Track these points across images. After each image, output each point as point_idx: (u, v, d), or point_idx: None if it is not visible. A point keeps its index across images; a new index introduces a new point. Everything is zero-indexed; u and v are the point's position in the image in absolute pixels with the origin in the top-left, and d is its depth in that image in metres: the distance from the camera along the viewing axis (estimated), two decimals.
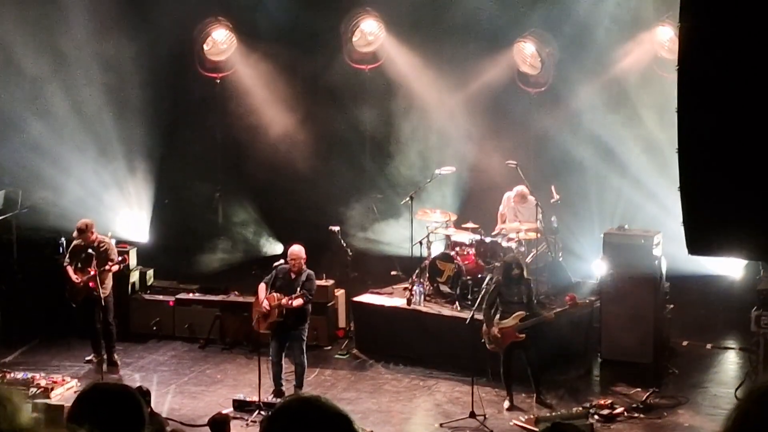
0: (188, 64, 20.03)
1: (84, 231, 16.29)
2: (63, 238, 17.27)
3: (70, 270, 16.38)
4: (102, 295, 16.25)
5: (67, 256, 16.54)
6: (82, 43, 19.30)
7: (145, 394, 12.70)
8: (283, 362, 15.39)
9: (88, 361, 16.79)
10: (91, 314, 16.49)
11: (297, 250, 15.32)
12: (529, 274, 15.70)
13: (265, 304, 15.00)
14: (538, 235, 17.20)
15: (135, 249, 18.49)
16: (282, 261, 15.44)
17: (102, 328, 16.61)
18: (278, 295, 15.01)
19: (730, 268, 17.64)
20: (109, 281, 16.59)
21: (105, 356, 16.67)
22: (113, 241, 17.06)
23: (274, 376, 15.30)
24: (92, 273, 16.13)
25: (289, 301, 14.93)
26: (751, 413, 1.68)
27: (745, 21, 5.76)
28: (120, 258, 16.76)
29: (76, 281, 16.31)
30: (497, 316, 14.98)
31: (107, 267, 16.37)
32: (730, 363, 16.94)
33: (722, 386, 15.80)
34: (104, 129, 19.64)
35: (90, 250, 16.20)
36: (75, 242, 16.52)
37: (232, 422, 12.86)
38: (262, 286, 15.22)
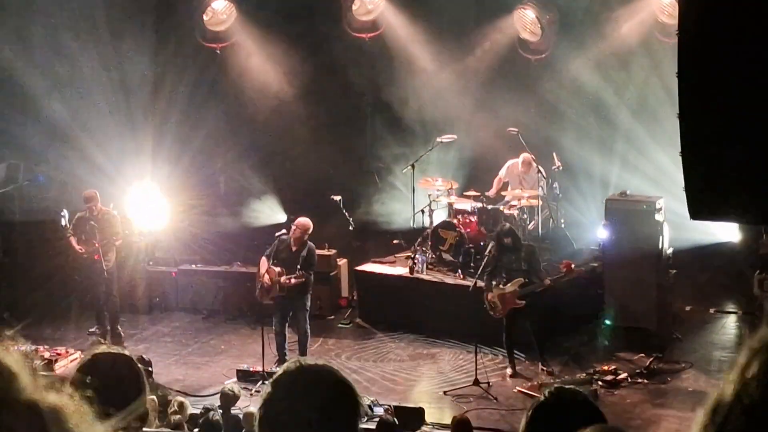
0: (189, 34, 19.93)
1: (92, 199, 16.29)
2: (65, 211, 17.25)
3: (73, 241, 16.37)
4: (105, 267, 16.27)
5: (71, 227, 16.51)
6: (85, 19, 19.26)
7: (146, 364, 12.75)
8: (286, 332, 15.43)
9: (92, 333, 16.82)
10: (95, 286, 16.51)
11: (304, 221, 15.27)
12: (526, 240, 15.67)
13: (266, 278, 15.02)
14: (540, 202, 17.19)
15: (136, 221, 18.46)
16: (283, 231, 15.45)
17: (105, 300, 16.63)
18: (279, 269, 14.99)
19: (732, 232, 17.63)
20: (113, 254, 16.60)
21: (108, 328, 16.70)
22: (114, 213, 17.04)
23: (278, 346, 15.35)
24: (96, 245, 16.15)
25: (288, 281, 14.94)
26: (750, 369, 1.67)
27: None
28: (128, 231, 16.79)
29: (80, 252, 16.31)
30: (500, 282, 14.98)
31: (114, 239, 16.40)
32: (733, 327, 16.96)
33: (725, 350, 15.82)
34: (106, 105, 19.60)
35: (93, 222, 16.21)
36: (79, 214, 16.50)
37: None
38: (263, 260, 15.22)
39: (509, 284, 14.90)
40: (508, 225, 15.94)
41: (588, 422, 3.28)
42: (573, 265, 15.10)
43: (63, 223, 17.05)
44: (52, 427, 1.54)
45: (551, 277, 15.04)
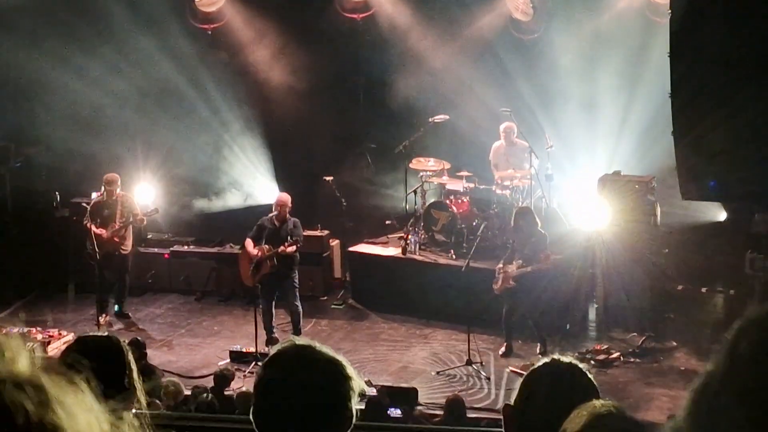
0: (180, 15, 19.87)
1: (112, 183, 16.22)
2: (57, 193, 17.21)
3: (92, 227, 16.18)
4: (123, 252, 16.33)
5: (88, 213, 16.25)
6: None
7: (141, 346, 12.76)
8: (273, 310, 15.49)
9: (98, 324, 16.63)
10: (110, 271, 16.45)
11: (284, 197, 15.53)
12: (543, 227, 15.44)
13: (257, 254, 15.11)
14: (532, 182, 17.17)
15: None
16: (273, 213, 15.52)
17: (119, 283, 16.64)
18: (267, 246, 15.10)
19: (721, 211, 17.66)
20: (130, 239, 16.59)
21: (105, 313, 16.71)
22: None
23: (265, 325, 15.42)
24: (116, 227, 16.15)
25: (284, 249, 15.02)
26: (739, 348, 1.68)
27: None
28: (153, 209, 16.82)
29: (102, 235, 16.16)
30: (512, 260, 14.98)
31: (136, 220, 16.35)
32: (725, 306, 16.98)
33: (717, 330, 15.81)
34: (98, 84, 19.54)
35: (112, 206, 16.19)
36: (96, 199, 16.41)
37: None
38: (249, 242, 15.29)
39: (512, 264, 14.92)
40: (525, 206, 15.90)
41: (582, 392, 3.30)
42: (551, 256, 14.93)
43: (55, 205, 17.03)
44: (56, 404, 1.57)
45: (531, 265, 14.91)
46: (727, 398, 1.63)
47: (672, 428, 1.72)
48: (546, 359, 3.61)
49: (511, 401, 3.55)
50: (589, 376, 3.52)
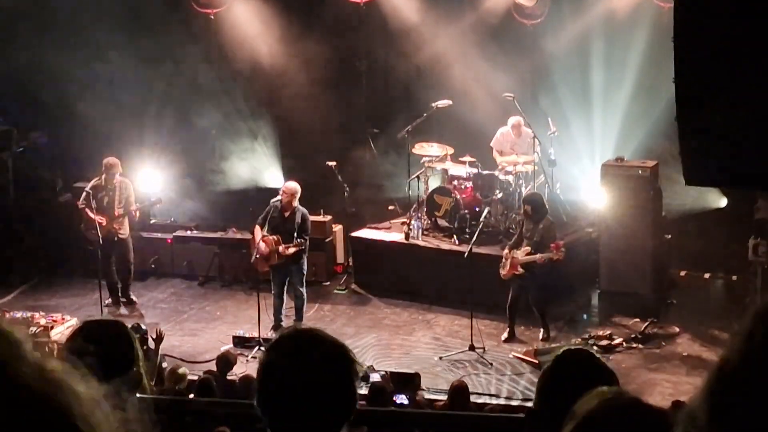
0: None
1: (113, 167, 16.13)
2: (59, 179, 17.19)
3: (88, 212, 16.14)
4: (121, 237, 16.29)
5: (83, 197, 16.16)
6: None
7: (141, 331, 12.77)
8: (284, 296, 15.45)
9: (108, 305, 16.58)
10: (109, 256, 16.44)
11: (291, 185, 15.34)
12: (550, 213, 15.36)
13: (262, 247, 14.98)
14: (535, 167, 17.16)
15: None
16: (278, 198, 15.40)
17: (123, 267, 16.63)
18: (275, 238, 14.94)
19: (725, 197, 17.66)
20: (126, 222, 16.54)
21: (120, 295, 16.71)
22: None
23: (275, 310, 15.38)
24: (116, 214, 16.11)
25: (285, 249, 14.91)
26: (756, 334, 1.68)
27: None
28: (156, 198, 16.80)
29: (100, 222, 16.12)
30: (519, 246, 14.95)
31: (133, 208, 16.32)
32: (728, 292, 16.98)
33: (720, 316, 15.84)
34: (99, 68, 19.52)
35: (111, 192, 16.12)
36: (95, 182, 16.26)
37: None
38: (257, 228, 15.16)
39: (520, 250, 14.89)
40: (533, 192, 15.91)
41: (599, 378, 3.31)
42: (562, 248, 14.81)
43: (58, 190, 17.01)
44: (64, 388, 1.58)
45: (540, 254, 14.85)
46: (744, 385, 1.63)
47: (687, 414, 1.71)
48: (548, 356, 3.62)
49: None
50: (601, 360, 3.53)
